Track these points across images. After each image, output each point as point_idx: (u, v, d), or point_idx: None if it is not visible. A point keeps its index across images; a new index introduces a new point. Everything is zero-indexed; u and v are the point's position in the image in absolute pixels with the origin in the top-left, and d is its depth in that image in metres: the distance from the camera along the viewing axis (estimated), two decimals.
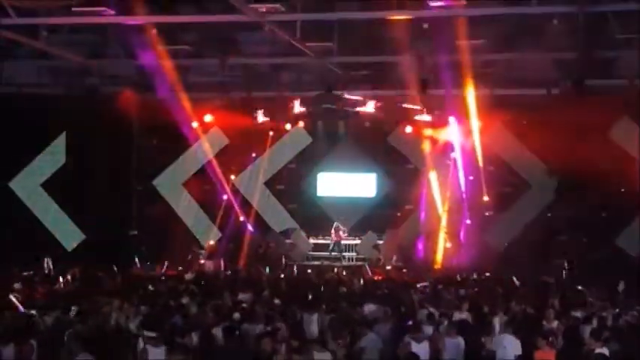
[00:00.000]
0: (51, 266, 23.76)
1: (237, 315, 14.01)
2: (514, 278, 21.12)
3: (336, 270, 24.84)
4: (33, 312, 14.29)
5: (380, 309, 14.90)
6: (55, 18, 20.52)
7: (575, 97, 22.93)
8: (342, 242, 28.15)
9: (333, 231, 28.06)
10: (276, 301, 15.95)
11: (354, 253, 28.07)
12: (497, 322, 14.08)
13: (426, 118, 26.14)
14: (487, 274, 23.05)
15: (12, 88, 25.27)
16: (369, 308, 15.12)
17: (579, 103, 22.52)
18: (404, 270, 25.44)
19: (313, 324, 14.37)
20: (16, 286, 18.07)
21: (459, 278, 21.87)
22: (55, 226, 27.27)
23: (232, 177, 28.95)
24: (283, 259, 26.98)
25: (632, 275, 20.16)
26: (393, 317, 14.19)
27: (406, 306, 15.61)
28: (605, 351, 11.40)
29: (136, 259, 26.25)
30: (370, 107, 25.47)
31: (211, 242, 28.28)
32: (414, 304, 15.88)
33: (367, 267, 25.90)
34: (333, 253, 27.87)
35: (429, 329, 13.22)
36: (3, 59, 24.02)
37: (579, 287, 18.57)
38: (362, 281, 21.28)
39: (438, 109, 25.91)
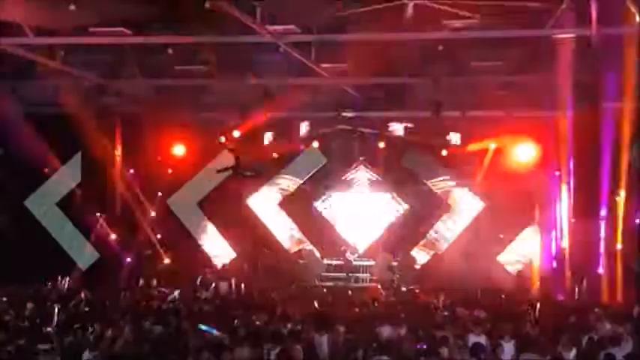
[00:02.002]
0: (65, 286, 23.81)
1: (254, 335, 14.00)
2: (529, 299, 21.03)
3: (350, 292, 24.75)
4: (49, 329, 14.32)
5: (395, 331, 14.84)
6: (71, 38, 20.62)
7: (591, 118, 22.87)
8: (355, 264, 28.23)
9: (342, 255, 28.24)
10: (289, 323, 15.92)
11: (368, 275, 27.99)
12: (511, 345, 14.00)
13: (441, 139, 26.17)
14: (502, 295, 22.89)
15: (28, 108, 25.37)
16: (384, 330, 15.05)
17: (596, 125, 22.49)
18: (418, 292, 25.31)
19: (324, 345, 14.31)
20: (29, 305, 18.08)
21: (475, 300, 21.76)
22: (70, 245, 27.29)
23: (247, 197, 29.00)
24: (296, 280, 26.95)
25: None
26: (409, 340, 14.13)
27: (422, 328, 15.52)
28: None
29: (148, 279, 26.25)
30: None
31: (225, 262, 28.31)
32: (429, 327, 15.79)
33: (381, 288, 25.78)
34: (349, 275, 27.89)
35: (444, 352, 13.15)
36: (19, 78, 24.12)
37: (596, 310, 18.37)
38: (376, 303, 21.17)
39: (453, 131, 25.88)
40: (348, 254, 28.21)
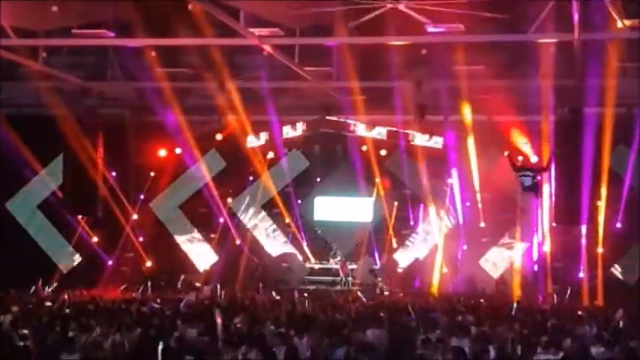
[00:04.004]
0: (47, 288, 23.69)
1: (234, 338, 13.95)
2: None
3: (333, 295, 24.74)
4: (26, 331, 14.21)
5: (377, 334, 14.83)
6: (54, 39, 20.56)
7: (572, 124, 22.97)
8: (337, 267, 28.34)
9: (339, 266, 28.21)
10: (272, 326, 15.88)
11: (351, 278, 28.01)
12: (493, 348, 14.01)
13: (423, 143, 26.15)
14: (481, 300, 22.92)
15: (10, 109, 25.27)
16: (366, 333, 15.04)
17: (577, 129, 22.59)
18: (401, 295, 25.34)
19: (304, 348, 14.28)
20: (14, 308, 17.94)
21: (456, 304, 21.78)
22: (51, 247, 27.17)
23: (229, 200, 28.96)
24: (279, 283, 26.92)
25: (631, 303, 20.09)
26: (390, 342, 14.13)
27: (403, 331, 15.53)
28: None
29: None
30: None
31: (208, 266, 28.24)
32: (411, 330, 15.80)
33: (364, 292, 25.77)
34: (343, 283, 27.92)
35: (425, 354, 13.14)
36: (2, 80, 24.00)
37: (580, 313, 18.43)
38: (358, 306, 21.16)
39: (436, 135, 25.89)
40: (339, 259, 28.34)
